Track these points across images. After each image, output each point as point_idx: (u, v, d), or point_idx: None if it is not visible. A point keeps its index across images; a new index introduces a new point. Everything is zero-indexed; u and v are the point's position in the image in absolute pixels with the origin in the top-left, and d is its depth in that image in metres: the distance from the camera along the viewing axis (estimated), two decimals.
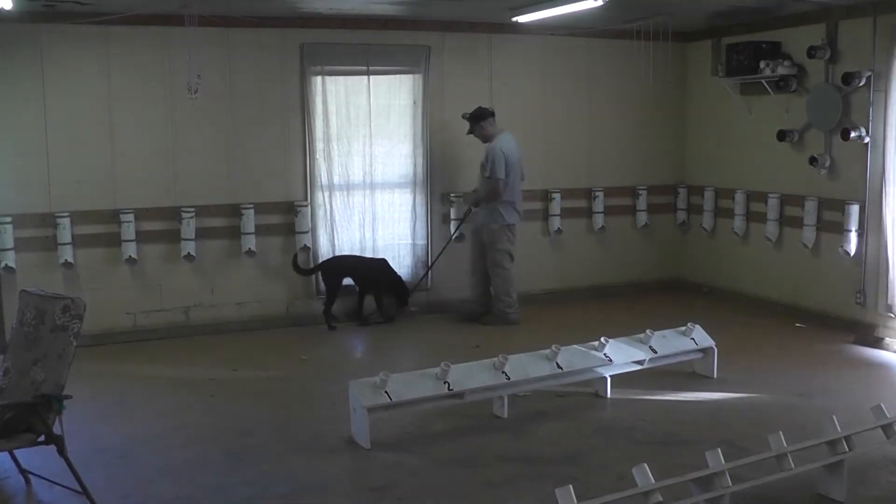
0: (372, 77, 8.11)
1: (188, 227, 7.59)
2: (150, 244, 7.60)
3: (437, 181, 8.48)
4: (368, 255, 8.26)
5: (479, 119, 7.83)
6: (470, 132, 7.90)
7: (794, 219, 7.95)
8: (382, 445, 5.04)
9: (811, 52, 7.44)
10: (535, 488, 4.43)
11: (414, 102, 8.28)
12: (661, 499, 3.63)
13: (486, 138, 7.85)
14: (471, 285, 8.17)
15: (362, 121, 8.12)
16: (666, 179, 9.44)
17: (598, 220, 9.07)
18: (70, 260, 7.31)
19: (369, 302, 8.16)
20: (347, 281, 8.04)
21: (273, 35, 7.80)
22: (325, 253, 8.15)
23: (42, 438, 4.11)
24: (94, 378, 6.30)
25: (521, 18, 7.57)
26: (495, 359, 5.42)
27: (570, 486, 3.51)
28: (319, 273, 8.03)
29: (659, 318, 7.40)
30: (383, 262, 8.17)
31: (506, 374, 5.37)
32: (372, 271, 8.08)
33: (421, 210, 8.42)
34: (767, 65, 7.83)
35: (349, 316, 8.17)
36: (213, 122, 7.72)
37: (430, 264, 8.45)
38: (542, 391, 5.81)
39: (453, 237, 8.36)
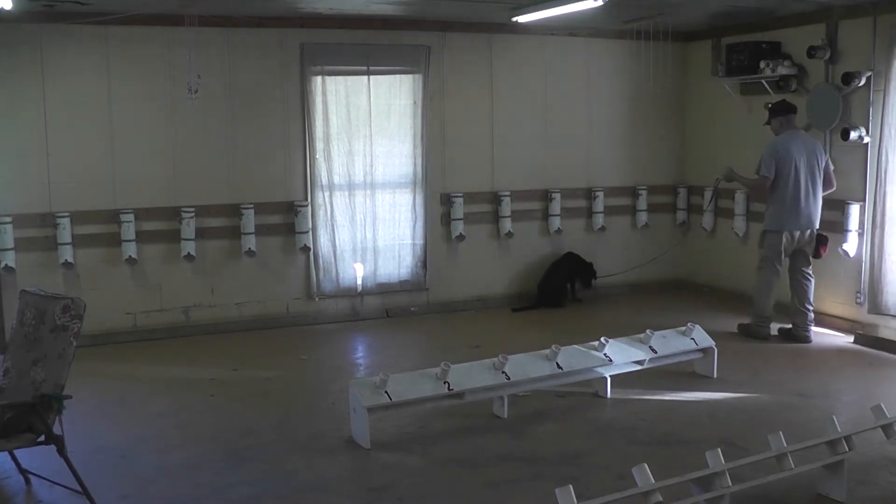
0: (372, 77, 8.11)
1: (188, 227, 7.59)
2: (150, 244, 7.61)
3: (436, 181, 8.48)
4: (369, 254, 8.28)
5: (774, 113, 7.29)
6: (766, 123, 7.41)
7: None
8: (382, 445, 5.04)
9: (811, 52, 7.44)
10: (535, 488, 4.43)
11: (414, 102, 8.28)
12: (661, 499, 3.63)
13: (774, 132, 7.29)
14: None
15: (362, 121, 8.12)
16: (666, 179, 9.45)
17: (598, 220, 9.08)
18: (70, 260, 7.31)
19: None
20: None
21: (273, 35, 7.80)
22: (325, 253, 8.15)
23: (42, 438, 4.11)
24: (94, 378, 6.30)
25: (521, 18, 7.56)
26: (495, 359, 5.42)
27: (570, 486, 3.51)
28: (556, 264, 8.86)
29: (659, 318, 7.42)
30: (574, 254, 8.93)
31: (506, 374, 5.37)
32: (576, 261, 8.90)
33: (421, 210, 8.42)
34: (767, 65, 7.83)
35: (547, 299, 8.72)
36: (213, 122, 7.72)
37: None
38: (542, 391, 5.81)
39: (707, 209, 8.68)
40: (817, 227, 7.16)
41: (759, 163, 7.13)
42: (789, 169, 7.03)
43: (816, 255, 7.22)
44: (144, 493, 4.49)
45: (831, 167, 7.21)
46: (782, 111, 7.24)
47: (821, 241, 7.19)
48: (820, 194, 7.15)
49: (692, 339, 6.19)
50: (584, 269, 8.90)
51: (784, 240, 7.09)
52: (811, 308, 7.26)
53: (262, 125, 7.89)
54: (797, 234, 7.11)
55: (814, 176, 7.10)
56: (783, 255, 7.15)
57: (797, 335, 7.26)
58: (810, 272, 7.25)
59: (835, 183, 7.23)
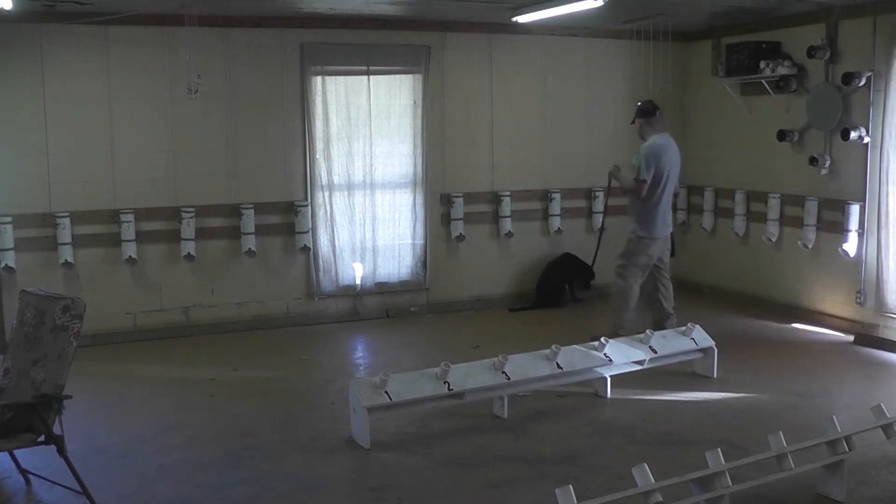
0: (372, 77, 8.11)
1: (188, 227, 7.59)
2: (150, 244, 7.61)
3: (436, 181, 8.48)
4: (369, 254, 8.28)
5: (642, 114, 7.06)
6: (633, 122, 7.22)
7: (794, 219, 7.95)
8: (382, 445, 5.05)
9: (811, 52, 7.44)
10: (535, 488, 4.43)
11: (414, 102, 8.28)
12: (661, 499, 3.63)
13: (641, 135, 7.09)
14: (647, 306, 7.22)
15: (362, 121, 8.12)
16: None
17: (598, 220, 9.06)
18: (70, 260, 7.31)
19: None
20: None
21: (273, 35, 7.80)
22: (325, 253, 8.16)
23: (42, 438, 4.11)
24: (94, 378, 6.30)
25: (521, 18, 7.56)
26: (495, 359, 5.42)
27: (570, 486, 3.51)
28: (553, 265, 8.85)
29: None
30: (571, 255, 8.92)
31: (506, 374, 5.37)
32: (573, 262, 8.85)
33: (421, 210, 8.42)
34: (767, 65, 7.83)
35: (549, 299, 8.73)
36: (213, 122, 7.72)
37: (592, 261, 8.63)
38: (542, 391, 5.81)
39: (603, 225, 8.41)
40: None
41: (636, 166, 6.87)
42: (665, 175, 6.88)
43: (672, 254, 7.25)
44: (144, 493, 4.49)
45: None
46: (650, 112, 7.03)
47: (672, 241, 7.25)
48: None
49: (692, 339, 6.19)
50: (581, 270, 8.89)
51: (658, 246, 6.95)
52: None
53: (262, 125, 7.89)
54: (667, 239, 7.04)
55: (675, 181, 7.08)
56: (651, 262, 6.97)
57: (660, 321, 7.02)
58: (668, 274, 7.15)
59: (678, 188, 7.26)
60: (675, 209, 9.36)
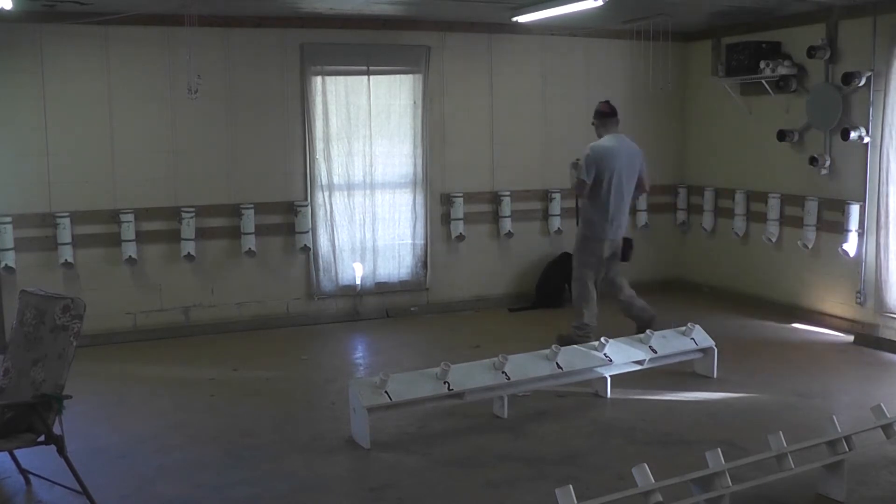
0: (372, 77, 8.11)
1: (188, 227, 7.59)
2: (150, 244, 7.61)
3: (436, 181, 8.48)
4: (369, 254, 8.28)
5: (596, 115, 7.03)
6: (593, 123, 7.11)
7: (794, 219, 7.95)
8: (382, 445, 5.05)
9: (811, 52, 7.44)
10: (535, 488, 4.43)
11: (414, 102, 8.28)
12: (661, 499, 3.63)
13: (598, 135, 7.01)
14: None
15: (362, 121, 8.12)
16: (666, 179, 9.44)
17: None
18: (70, 260, 7.31)
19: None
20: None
21: (273, 35, 7.80)
22: (325, 253, 8.16)
23: (42, 438, 4.11)
24: (94, 378, 6.30)
25: (521, 18, 7.56)
26: (495, 359, 5.42)
27: (570, 486, 3.51)
28: (553, 265, 8.74)
29: (659, 318, 7.41)
30: (570, 255, 8.49)
31: (506, 374, 5.37)
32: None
33: (421, 210, 8.42)
34: (767, 65, 7.83)
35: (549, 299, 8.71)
36: (213, 122, 7.72)
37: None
38: (542, 391, 5.81)
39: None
40: (624, 233, 7.07)
41: (581, 166, 6.83)
42: (609, 175, 6.77)
43: (625, 258, 7.18)
44: (144, 493, 4.49)
45: (645, 170, 7.09)
46: (603, 113, 6.98)
47: (628, 245, 7.16)
48: (629, 201, 7.04)
49: (692, 339, 6.19)
50: None
51: (604, 247, 6.89)
52: (633, 292, 7.11)
53: (262, 125, 7.89)
54: (614, 241, 6.96)
55: (630, 183, 6.93)
56: (602, 263, 6.94)
57: (643, 318, 7.00)
58: (618, 273, 7.12)
59: (647, 186, 7.18)
60: (674, 209, 9.49)
